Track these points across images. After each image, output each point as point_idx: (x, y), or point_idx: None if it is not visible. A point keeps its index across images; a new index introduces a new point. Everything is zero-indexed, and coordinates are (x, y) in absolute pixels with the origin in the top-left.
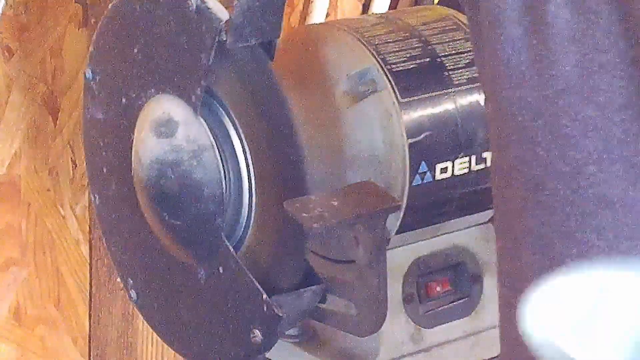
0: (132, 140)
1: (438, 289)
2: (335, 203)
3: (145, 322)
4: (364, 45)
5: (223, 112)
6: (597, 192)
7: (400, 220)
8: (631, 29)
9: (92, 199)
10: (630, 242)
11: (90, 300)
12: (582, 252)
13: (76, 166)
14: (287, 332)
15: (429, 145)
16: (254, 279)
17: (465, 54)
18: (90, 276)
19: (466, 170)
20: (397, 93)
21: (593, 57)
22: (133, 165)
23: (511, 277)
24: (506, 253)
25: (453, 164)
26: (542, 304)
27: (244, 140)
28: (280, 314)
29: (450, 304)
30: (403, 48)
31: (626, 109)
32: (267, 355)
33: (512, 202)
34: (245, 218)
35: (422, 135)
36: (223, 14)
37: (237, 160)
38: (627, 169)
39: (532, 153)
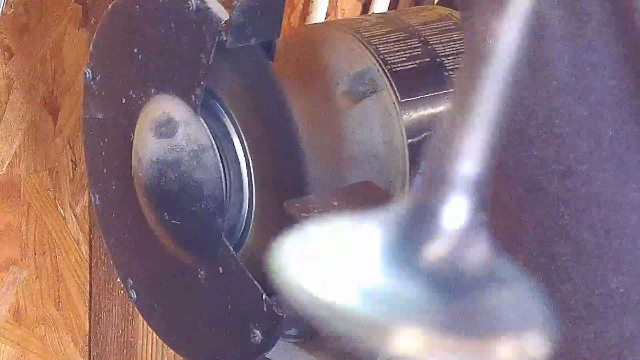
0: (132, 140)
1: None
2: (335, 203)
3: (145, 322)
4: (364, 45)
5: (223, 112)
6: (589, 190)
7: None
8: (622, 29)
9: (92, 199)
10: (620, 240)
11: (90, 300)
12: (576, 250)
13: (76, 166)
14: (287, 332)
15: None
16: (254, 279)
17: None
18: (90, 276)
19: None
20: (397, 93)
21: (585, 57)
22: (133, 165)
23: None
24: (502, 254)
25: None
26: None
27: (244, 140)
28: (280, 314)
29: None
30: (403, 48)
31: (618, 108)
32: (267, 355)
33: (508, 203)
34: (245, 218)
35: (422, 135)
36: (223, 14)
37: (237, 160)
38: (618, 168)
39: (528, 153)
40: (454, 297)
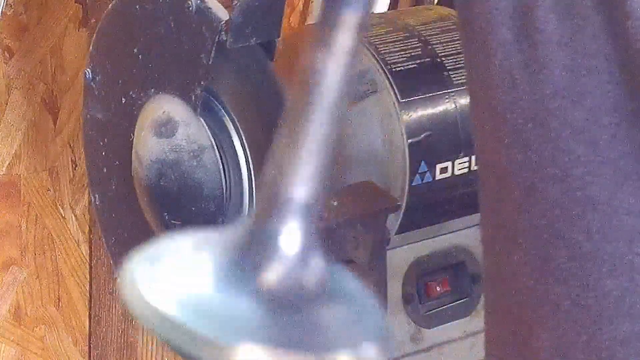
0: (132, 140)
1: (438, 289)
2: (335, 203)
3: None
4: (364, 45)
5: (223, 112)
6: (585, 194)
7: (400, 220)
8: (618, 34)
9: (92, 199)
10: (615, 244)
11: (90, 300)
12: (572, 253)
13: (76, 166)
14: None
15: (429, 145)
16: None
17: None
18: (90, 276)
19: (466, 170)
20: (397, 93)
21: (581, 62)
22: (133, 165)
23: (502, 280)
24: (496, 257)
25: (453, 164)
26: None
27: (244, 140)
28: None
29: (450, 304)
30: (403, 48)
31: (613, 112)
32: None
33: (504, 206)
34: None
35: (422, 135)
36: (223, 14)
37: (237, 160)
38: (613, 171)
39: (524, 156)
40: (290, 314)
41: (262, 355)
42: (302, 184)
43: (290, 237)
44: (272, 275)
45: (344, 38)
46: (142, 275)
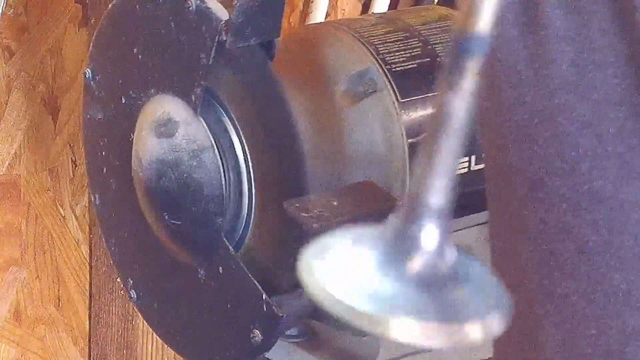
0: (132, 140)
1: None
2: (335, 203)
3: (145, 322)
4: (364, 45)
5: (223, 112)
6: (592, 187)
7: None
8: (624, 28)
9: (92, 199)
10: (622, 237)
11: (90, 300)
12: (579, 247)
13: (76, 166)
14: (287, 332)
15: None
16: (254, 279)
17: None
18: (90, 276)
19: (466, 170)
20: (397, 93)
21: (588, 56)
22: (133, 166)
23: (509, 275)
24: (503, 252)
25: None
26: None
27: (244, 140)
28: (280, 314)
29: None
30: (403, 48)
31: (620, 106)
32: (267, 355)
33: (511, 201)
34: (245, 218)
35: (422, 135)
36: (223, 14)
37: (237, 160)
38: (620, 165)
39: (531, 151)
40: (432, 294)
41: (414, 325)
42: (436, 193)
43: (430, 234)
44: (417, 264)
45: (468, 82)
46: (317, 265)
